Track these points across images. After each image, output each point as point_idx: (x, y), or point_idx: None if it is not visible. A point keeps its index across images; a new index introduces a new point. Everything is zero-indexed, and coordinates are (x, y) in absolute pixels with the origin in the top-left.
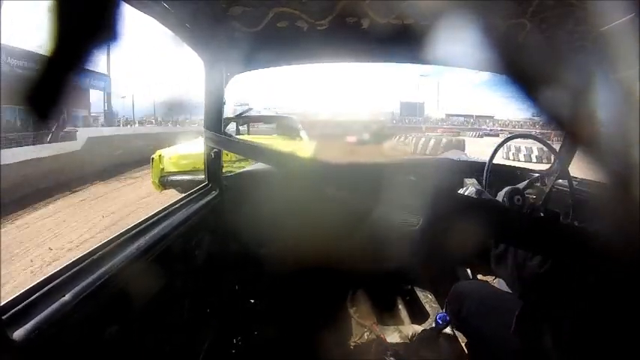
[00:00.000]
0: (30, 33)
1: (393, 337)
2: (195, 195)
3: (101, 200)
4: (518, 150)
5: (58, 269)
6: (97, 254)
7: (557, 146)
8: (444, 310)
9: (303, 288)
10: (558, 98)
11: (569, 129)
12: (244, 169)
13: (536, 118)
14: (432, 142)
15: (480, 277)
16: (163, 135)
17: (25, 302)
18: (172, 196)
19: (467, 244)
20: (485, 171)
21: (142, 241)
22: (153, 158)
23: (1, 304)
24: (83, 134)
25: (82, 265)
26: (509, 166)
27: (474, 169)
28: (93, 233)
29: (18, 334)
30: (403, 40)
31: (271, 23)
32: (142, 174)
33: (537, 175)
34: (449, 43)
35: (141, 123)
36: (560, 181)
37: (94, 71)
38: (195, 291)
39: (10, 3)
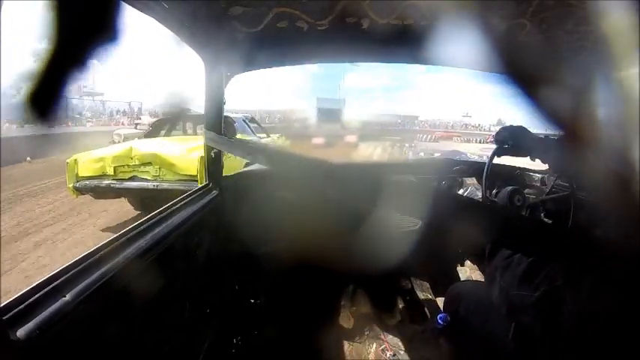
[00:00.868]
0: (30, 33)
1: (392, 337)
2: (195, 195)
3: None
4: None
5: (59, 269)
6: (98, 254)
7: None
8: (443, 310)
9: (303, 288)
10: (558, 98)
11: (569, 129)
12: (244, 169)
13: (466, 119)
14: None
15: (478, 277)
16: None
17: (26, 302)
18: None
19: (466, 244)
20: (485, 171)
21: (142, 242)
22: (68, 162)
23: (3, 304)
24: None
25: (83, 265)
26: (510, 166)
27: (474, 169)
28: None
29: (20, 333)
30: (403, 41)
31: (271, 23)
32: None
33: (537, 175)
34: (449, 43)
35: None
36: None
37: None
38: (196, 291)
39: (10, 3)
